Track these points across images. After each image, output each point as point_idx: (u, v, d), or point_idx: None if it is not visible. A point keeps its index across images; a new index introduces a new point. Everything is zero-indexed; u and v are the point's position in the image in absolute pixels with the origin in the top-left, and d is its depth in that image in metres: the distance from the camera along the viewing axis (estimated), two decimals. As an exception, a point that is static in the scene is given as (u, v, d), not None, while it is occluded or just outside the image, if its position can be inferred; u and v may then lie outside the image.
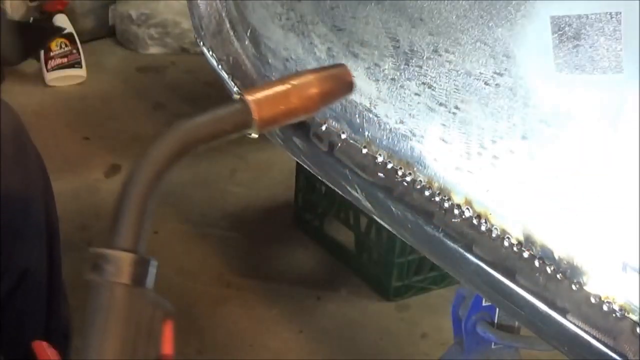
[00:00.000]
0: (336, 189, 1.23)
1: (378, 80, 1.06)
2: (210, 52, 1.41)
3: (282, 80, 0.83)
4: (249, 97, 0.79)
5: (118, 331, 0.63)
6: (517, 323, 1.61)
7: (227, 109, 0.79)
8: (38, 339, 1.14)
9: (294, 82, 0.83)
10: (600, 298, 0.87)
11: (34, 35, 3.61)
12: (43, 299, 1.58)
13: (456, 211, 1.00)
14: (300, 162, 1.36)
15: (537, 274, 0.92)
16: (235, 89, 0.85)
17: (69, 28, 3.66)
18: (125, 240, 0.64)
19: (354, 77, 0.87)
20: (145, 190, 0.68)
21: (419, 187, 1.04)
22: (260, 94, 0.80)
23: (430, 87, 0.99)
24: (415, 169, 1.05)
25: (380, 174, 1.09)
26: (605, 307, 0.86)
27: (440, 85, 0.98)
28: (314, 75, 0.84)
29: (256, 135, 0.81)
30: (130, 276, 0.63)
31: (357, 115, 1.11)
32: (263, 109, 0.79)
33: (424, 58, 0.99)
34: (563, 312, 0.89)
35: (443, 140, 0.99)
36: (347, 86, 0.86)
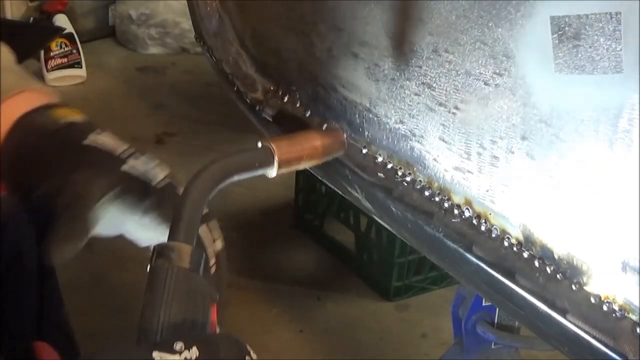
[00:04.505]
0: (336, 189, 1.23)
1: (378, 80, 1.06)
2: (210, 52, 1.41)
3: (296, 134, 1.09)
4: (273, 143, 1.03)
5: (179, 305, 0.77)
6: (517, 323, 1.61)
7: (256, 151, 1.03)
8: (34, 334, 1.14)
9: (305, 135, 1.09)
10: (600, 298, 0.87)
11: (34, 35, 3.61)
12: (34, 286, 1.57)
13: (456, 211, 1.00)
14: (300, 162, 1.36)
15: (537, 274, 0.92)
16: (260, 143, 1.05)
17: (69, 28, 3.67)
18: (185, 237, 0.83)
19: (346, 138, 1.12)
20: (196, 206, 0.88)
21: (419, 187, 1.04)
22: (280, 142, 1.04)
23: (430, 87, 0.99)
24: (415, 169, 1.05)
25: (380, 174, 1.09)
26: (605, 307, 0.86)
27: (440, 85, 0.98)
28: (319, 132, 1.12)
29: (274, 175, 1.04)
30: (189, 263, 0.80)
31: (357, 115, 1.11)
32: (283, 152, 1.03)
33: (424, 58, 0.99)
34: (563, 312, 0.89)
35: (443, 140, 0.99)
36: (341, 144, 1.12)
